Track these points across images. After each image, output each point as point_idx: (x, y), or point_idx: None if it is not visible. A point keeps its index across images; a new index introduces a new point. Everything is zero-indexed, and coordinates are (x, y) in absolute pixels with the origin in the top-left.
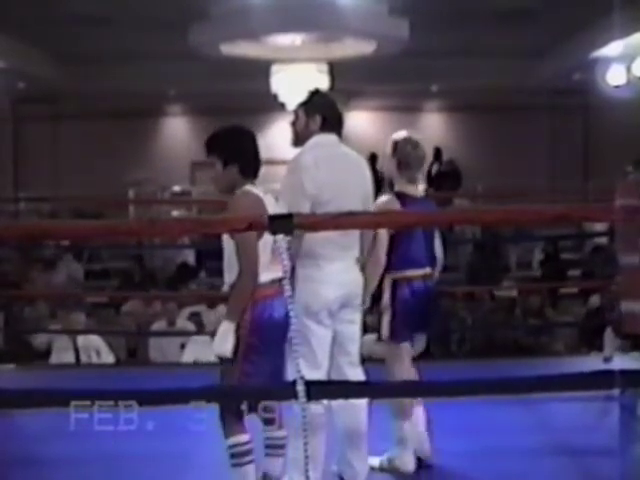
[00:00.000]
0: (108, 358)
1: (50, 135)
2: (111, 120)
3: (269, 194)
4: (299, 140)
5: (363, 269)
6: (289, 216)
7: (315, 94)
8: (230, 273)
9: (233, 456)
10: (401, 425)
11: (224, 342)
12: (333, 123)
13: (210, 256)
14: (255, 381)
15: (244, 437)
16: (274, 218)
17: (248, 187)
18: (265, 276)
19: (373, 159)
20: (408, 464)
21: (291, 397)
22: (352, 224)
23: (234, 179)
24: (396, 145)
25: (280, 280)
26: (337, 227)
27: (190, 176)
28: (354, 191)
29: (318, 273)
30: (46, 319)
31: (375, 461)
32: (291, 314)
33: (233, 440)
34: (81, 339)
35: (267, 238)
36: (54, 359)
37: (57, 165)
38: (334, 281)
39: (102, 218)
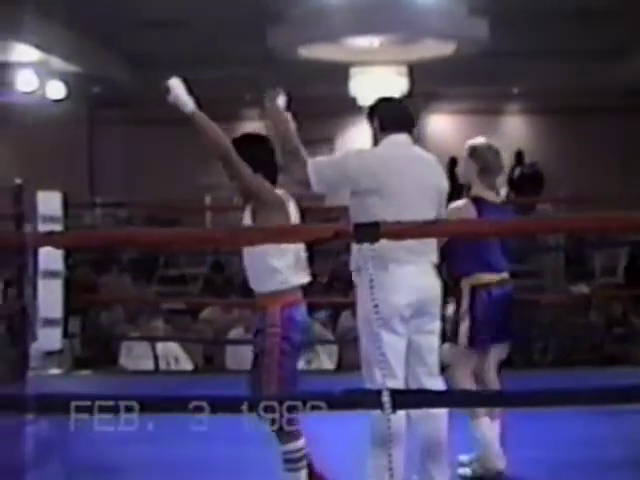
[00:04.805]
0: (186, 365)
1: (125, 139)
2: (186, 124)
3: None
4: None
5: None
6: (375, 224)
7: (381, 100)
8: (252, 275)
9: (288, 461)
10: (478, 424)
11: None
12: (401, 124)
13: None
14: (291, 386)
15: (300, 443)
16: (360, 226)
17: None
18: (292, 280)
19: (453, 163)
20: (496, 462)
21: (377, 407)
22: (438, 233)
23: None
24: (475, 150)
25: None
26: (423, 235)
27: None
28: (425, 192)
29: (388, 279)
30: (122, 324)
31: (467, 470)
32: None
33: (289, 447)
34: (160, 346)
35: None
36: (131, 365)
37: (132, 169)
38: (405, 286)
39: (177, 224)
